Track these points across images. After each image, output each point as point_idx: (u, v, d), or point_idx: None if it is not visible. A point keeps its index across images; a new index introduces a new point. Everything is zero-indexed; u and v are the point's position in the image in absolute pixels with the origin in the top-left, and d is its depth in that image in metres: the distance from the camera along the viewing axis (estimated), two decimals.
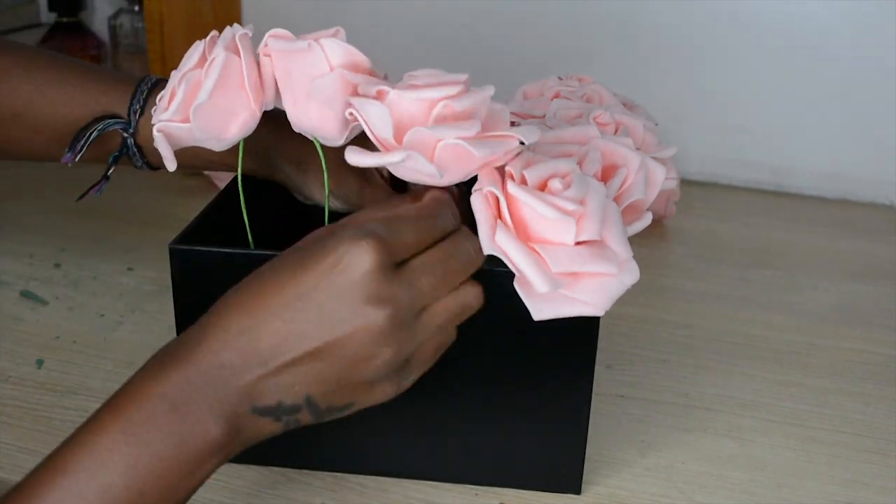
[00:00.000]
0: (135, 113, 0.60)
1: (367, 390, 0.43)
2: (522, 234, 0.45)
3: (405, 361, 0.43)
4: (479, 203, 0.45)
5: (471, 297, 0.45)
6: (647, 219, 0.52)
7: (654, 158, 0.55)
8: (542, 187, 0.47)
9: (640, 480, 0.55)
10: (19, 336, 0.68)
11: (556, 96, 0.63)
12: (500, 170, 0.47)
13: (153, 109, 0.50)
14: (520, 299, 0.45)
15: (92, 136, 0.60)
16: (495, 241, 0.45)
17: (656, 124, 0.64)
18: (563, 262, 0.44)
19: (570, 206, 0.45)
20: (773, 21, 0.97)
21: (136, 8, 1.10)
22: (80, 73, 0.63)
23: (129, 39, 1.11)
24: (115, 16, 1.12)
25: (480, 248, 0.45)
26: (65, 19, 1.15)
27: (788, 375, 0.67)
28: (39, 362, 0.64)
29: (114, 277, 0.77)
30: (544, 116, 0.60)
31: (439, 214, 0.44)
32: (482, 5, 1.03)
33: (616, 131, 0.58)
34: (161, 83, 0.62)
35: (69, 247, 0.81)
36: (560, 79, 0.66)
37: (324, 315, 0.40)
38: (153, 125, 0.49)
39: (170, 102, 0.48)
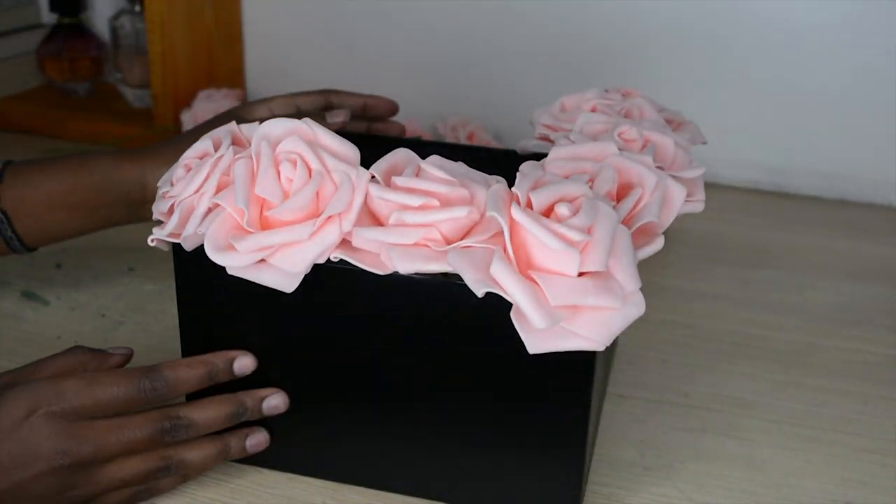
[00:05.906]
0: None
1: None
2: (523, 261, 0.44)
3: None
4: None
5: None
6: (659, 243, 0.48)
7: (677, 178, 0.51)
8: (549, 211, 0.45)
9: (640, 480, 0.55)
10: (21, 336, 0.68)
11: (594, 109, 0.60)
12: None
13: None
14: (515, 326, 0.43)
15: None
16: (490, 271, 0.43)
17: (705, 142, 0.60)
18: (563, 294, 0.42)
19: (576, 236, 0.43)
20: (773, 21, 0.97)
21: (137, 8, 1.10)
22: None
23: (129, 40, 1.11)
24: (117, 16, 1.12)
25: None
26: (66, 20, 1.15)
27: (788, 375, 0.67)
28: None
29: (115, 277, 0.77)
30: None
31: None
32: (489, 6, 1.03)
33: (643, 148, 0.54)
34: (8, 165, 0.64)
35: (70, 247, 0.81)
36: (607, 91, 0.63)
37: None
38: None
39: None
